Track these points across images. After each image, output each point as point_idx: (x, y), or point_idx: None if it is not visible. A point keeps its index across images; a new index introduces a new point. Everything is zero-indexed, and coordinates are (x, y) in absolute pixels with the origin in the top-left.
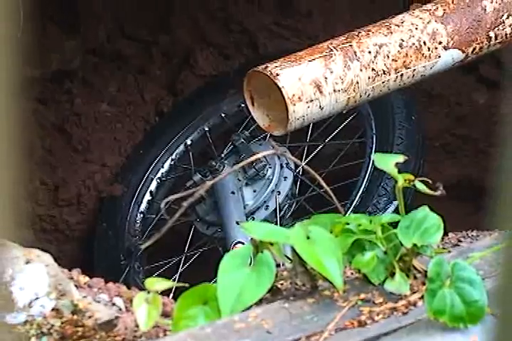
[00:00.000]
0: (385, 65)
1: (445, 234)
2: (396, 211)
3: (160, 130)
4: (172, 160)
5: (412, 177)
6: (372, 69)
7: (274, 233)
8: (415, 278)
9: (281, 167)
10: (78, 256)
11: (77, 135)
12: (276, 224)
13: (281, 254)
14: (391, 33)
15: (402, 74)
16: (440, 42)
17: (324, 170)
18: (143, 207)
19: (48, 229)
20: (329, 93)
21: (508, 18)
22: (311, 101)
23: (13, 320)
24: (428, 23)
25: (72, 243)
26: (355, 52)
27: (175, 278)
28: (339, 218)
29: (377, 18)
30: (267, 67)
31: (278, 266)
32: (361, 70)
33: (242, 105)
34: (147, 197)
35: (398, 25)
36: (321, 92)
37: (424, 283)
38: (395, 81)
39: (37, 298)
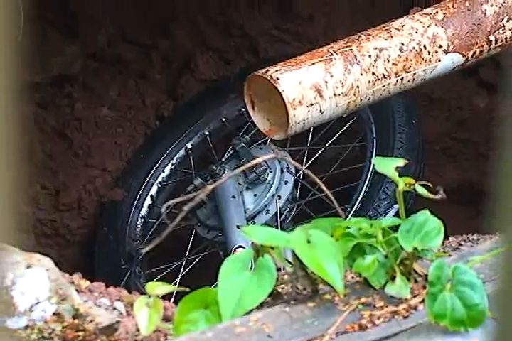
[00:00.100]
0: (385, 68)
1: (446, 237)
2: (397, 215)
3: (160, 134)
4: (173, 164)
5: (412, 181)
6: (373, 73)
7: (274, 237)
8: (416, 281)
9: (282, 171)
10: (79, 260)
11: (77, 139)
12: (276, 228)
13: (282, 258)
14: (391, 36)
15: (402, 78)
16: (440, 46)
17: (325, 174)
18: (143, 211)
19: (48, 233)
20: (329, 97)
21: (508, 21)
22: (312, 105)
23: (14, 325)
24: (428, 26)
25: (73, 247)
26: (355, 56)
27: (176, 283)
28: (340, 222)
29: (378, 22)
30: (267, 71)
31: (279, 270)
32: (361, 74)
33: (243, 109)
34: (148, 201)
35: (398, 29)
36: (321, 96)
37: (424, 287)
38: (395, 85)
39: (38, 303)
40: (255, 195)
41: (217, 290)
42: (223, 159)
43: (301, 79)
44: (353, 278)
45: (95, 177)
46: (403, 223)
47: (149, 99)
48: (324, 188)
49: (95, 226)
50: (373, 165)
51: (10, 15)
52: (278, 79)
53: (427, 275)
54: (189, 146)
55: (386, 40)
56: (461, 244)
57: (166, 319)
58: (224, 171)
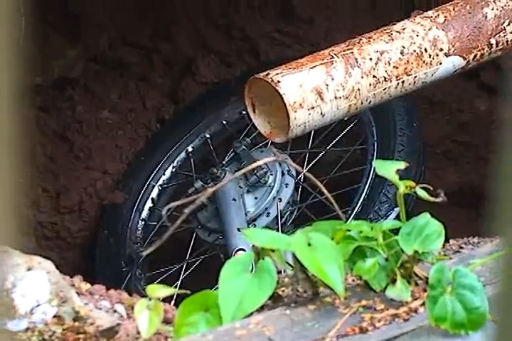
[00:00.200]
0: (386, 71)
1: (446, 240)
2: (397, 218)
3: (161, 137)
4: (173, 167)
5: (413, 183)
6: (374, 76)
7: (275, 240)
8: (416, 284)
9: (283, 174)
10: (80, 263)
11: (78, 142)
12: (277, 231)
13: (283, 261)
14: (392, 39)
15: (403, 81)
16: (441, 49)
17: (325, 177)
18: (144, 214)
19: (49, 236)
20: (330, 100)
21: (509, 25)
22: (313, 108)
23: (15, 327)
24: (429, 30)
25: (74, 250)
26: (356, 59)
27: (176, 285)
28: (340, 225)
29: (379, 25)
30: (268, 74)
31: (279, 272)
32: (362, 77)
33: (244, 112)
34: (148, 204)
35: (399, 32)
36: (322, 99)
37: (425, 290)
38: (396, 88)
39: (38, 305)
40: (256, 198)
41: (217, 292)
42: (224, 162)
43: (302, 82)
44: (353, 280)
45: (96, 179)
46: (404, 226)
47: (150, 102)
48: (325, 191)
49: (96, 228)
50: (374, 168)
51: (12, 18)
52: (279, 82)
53: (427, 278)
54: (190, 149)
55: (387, 43)
56: (461, 247)
57: (167, 321)
58: (225, 174)
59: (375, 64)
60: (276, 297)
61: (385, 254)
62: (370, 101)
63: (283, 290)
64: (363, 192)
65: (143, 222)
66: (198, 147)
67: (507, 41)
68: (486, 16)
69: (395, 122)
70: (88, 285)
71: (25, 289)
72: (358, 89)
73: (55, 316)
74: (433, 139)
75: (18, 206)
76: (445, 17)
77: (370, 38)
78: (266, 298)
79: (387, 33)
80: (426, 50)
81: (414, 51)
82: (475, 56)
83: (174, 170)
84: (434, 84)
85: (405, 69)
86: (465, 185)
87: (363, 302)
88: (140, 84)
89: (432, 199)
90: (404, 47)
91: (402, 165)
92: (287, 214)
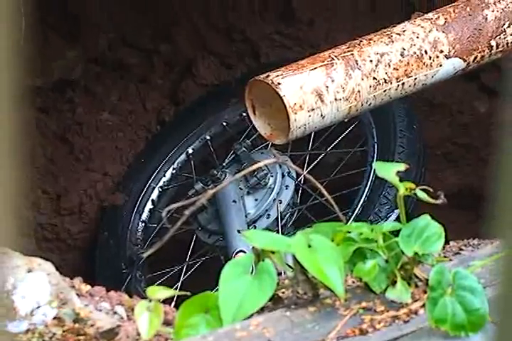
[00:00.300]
0: (386, 73)
1: (446, 242)
2: (398, 219)
3: (161, 139)
4: (174, 168)
5: (413, 185)
6: (374, 78)
7: (275, 241)
8: (416, 286)
9: (283, 176)
10: (80, 264)
11: (78, 144)
12: (277, 232)
13: (283, 263)
14: (392, 41)
15: (403, 83)
16: (441, 51)
17: (326, 178)
18: (144, 215)
19: (49, 238)
20: (331, 102)
21: (509, 26)
22: (313, 109)
23: (15, 329)
24: (429, 31)
25: (74, 252)
26: (356, 61)
27: (176, 287)
28: (340, 226)
29: (379, 27)
30: (268, 75)
31: (279, 274)
32: (362, 79)
33: (244, 114)
34: (149, 205)
35: (399, 34)
36: (322, 101)
37: (425, 292)
38: (396, 90)
39: (39, 307)
40: (256, 200)
41: (217, 294)
42: (224, 164)
43: (303, 83)
44: (353, 282)
45: (96, 181)
46: (404, 228)
47: (150, 104)
48: (325, 193)
49: (96, 230)
50: (374, 169)
51: (12, 18)
52: (279, 83)
53: (427, 279)
54: (190, 151)
55: (387, 44)
56: (461, 249)
57: (167, 323)
58: (225, 176)
59: (376, 66)
60: (277, 299)
61: (385, 256)
62: (370, 103)
63: (283, 292)
64: (363, 193)
65: (143, 224)
66: (198, 149)
67: (507, 43)
68: (487, 18)
69: (395, 124)
70: (88, 287)
71: (26, 291)
72: (358, 91)
73: (55, 318)
74: (433, 141)
75: (18, 208)
76: (445, 19)
77: (370, 39)
78: (266, 300)
79: (388, 34)
80: (426, 52)
81: (415, 53)
82: (475, 58)
83: (174, 171)
84: (435, 86)
85: (405, 71)
86: (465, 187)
87: (363, 304)
88: (140, 86)
89: (432, 201)
90: (404, 49)
91: (402, 166)
92: (287, 215)
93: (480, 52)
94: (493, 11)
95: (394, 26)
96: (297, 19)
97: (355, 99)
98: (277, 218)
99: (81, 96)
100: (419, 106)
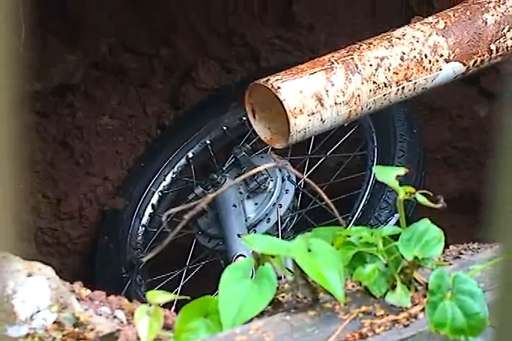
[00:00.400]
0: (386, 77)
1: (446, 246)
2: (398, 223)
3: (162, 143)
4: (174, 173)
5: (413, 189)
6: (374, 82)
7: (275, 246)
8: (416, 290)
9: (283, 180)
10: (80, 269)
11: (78, 148)
12: (277, 237)
13: (283, 267)
14: (392, 45)
15: (403, 87)
16: (441, 55)
17: (326, 182)
18: (145, 220)
19: (49, 242)
20: (330, 106)
21: (509, 31)
22: (313, 114)
23: (15, 333)
24: (429, 35)
25: (74, 256)
26: (356, 65)
27: (177, 291)
28: (340, 231)
29: (379, 31)
30: (268, 80)
31: (279, 278)
32: (362, 83)
33: (244, 118)
34: (149, 210)
35: (399, 38)
36: (322, 105)
37: (425, 296)
38: (396, 94)
39: (38, 311)
40: (256, 204)
41: (217, 298)
42: (224, 168)
43: (302, 88)
44: (353, 286)
45: (96, 185)
46: (404, 232)
47: (150, 108)
48: (325, 197)
49: (96, 234)
50: (374, 173)
51: (11, 23)
52: (279, 88)
53: (427, 284)
54: (190, 155)
55: (387, 49)
56: (461, 253)
57: (167, 327)
58: (225, 180)
59: (375, 70)
60: (277, 303)
61: (385, 260)
62: (370, 107)
63: (283, 296)
64: (363, 198)
65: (143, 228)
66: (198, 153)
67: (507, 47)
68: (486, 22)
69: (395, 128)
70: (88, 291)
71: (26, 295)
72: (358, 95)
73: (55, 322)
74: (433, 145)
75: (18, 212)
76: (445, 23)
77: (370, 44)
78: (266, 304)
79: (387, 39)
80: (426, 56)
81: (415, 57)
82: (475, 62)
83: (174, 176)
84: (434, 90)
85: (405, 75)
86: (465, 191)
87: (363, 308)
88: (140, 90)
89: (431, 205)
90: (404, 53)
91: (402, 171)
92: (287, 220)
93: (480, 56)
94: (492, 15)
95: (394, 30)
96: (297, 23)
97: (355, 103)
98: (277, 222)
99: (81, 100)
100: (419, 110)
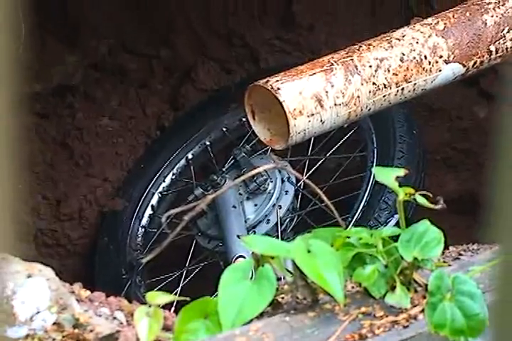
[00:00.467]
0: (385, 78)
1: (446, 247)
2: (397, 224)
3: (161, 144)
4: (173, 174)
5: (412, 190)
6: (373, 83)
7: (275, 247)
8: (416, 291)
9: (283, 181)
10: (80, 270)
11: (78, 149)
12: (277, 238)
13: (282, 268)
14: (392, 47)
15: (402, 88)
16: (441, 56)
17: (325, 184)
18: (144, 221)
19: (49, 243)
20: (330, 107)
21: (508, 32)
22: (312, 115)
23: (15, 334)
24: (429, 37)
25: (74, 257)
26: (356, 66)
27: (176, 292)
28: (340, 232)
29: (378, 32)
30: (267, 81)
31: (279, 279)
32: (362, 84)
33: (244, 119)
34: (148, 211)
35: (399, 39)
36: (322, 106)
37: (424, 297)
38: (395, 95)
39: (38, 312)
40: (256, 205)
41: (217, 299)
42: (224, 169)
43: (302, 89)
44: (353, 287)
45: (96, 187)
46: (403, 233)
47: (150, 109)
48: (325, 198)
49: (96, 236)
50: (374, 175)
51: (11, 24)
52: (279, 89)
53: (427, 285)
54: (190, 156)
55: (387, 50)
56: (461, 254)
57: (167, 328)
58: (225, 181)
59: (375, 71)
60: (276, 304)
61: (384, 261)
62: (369, 108)
63: (282, 297)
64: (362, 199)
65: (143, 229)
66: (197, 154)
67: (506, 48)
68: (486, 23)
69: (394, 129)
70: (88, 292)
71: (25, 296)
72: (358, 96)
73: (54, 323)
74: (433, 146)
75: (17, 213)
76: (445, 24)
77: (369, 45)
78: (265, 305)
79: (387, 40)
80: (426, 57)
81: (414, 58)
82: (475, 63)
83: (174, 177)
84: (434, 91)
85: (405, 76)
86: (465, 192)
87: (363, 309)
88: (140, 91)
89: (431, 206)
90: (403, 54)
91: (401, 172)
92: (287, 221)
93: (479, 58)
94: (492, 16)
95: (393, 31)
96: (297, 24)
97: (355, 105)
98: (277, 223)
99: (81, 101)
100: (419, 112)
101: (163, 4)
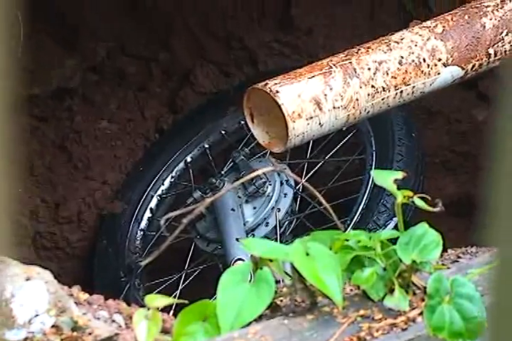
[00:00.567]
0: (384, 81)
1: (444, 250)
2: (396, 227)
3: (160, 147)
4: (172, 177)
5: (411, 193)
6: (372, 86)
7: (273, 250)
8: (414, 294)
9: (281, 184)
10: (78, 273)
11: (77, 152)
12: (276, 241)
13: (281, 271)
14: (390, 49)
15: (401, 91)
16: (440, 59)
17: (324, 187)
18: (143, 224)
19: (48, 246)
20: (329, 110)
21: (507, 35)
22: (311, 118)
23: (13, 337)
24: (427, 39)
25: (73, 260)
26: (354, 69)
27: (175, 295)
28: (339, 234)
29: (377, 35)
30: (266, 84)
31: (277, 282)
32: (361, 87)
33: (242, 122)
34: (147, 214)
35: (398, 42)
36: (320, 109)
37: (423, 299)
38: (394, 98)
39: (37, 315)
40: (255, 208)
41: (216, 302)
42: (223, 172)
43: (301, 92)
44: (351, 290)
45: (95, 190)
46: (402, 235)
47: (149, 112)
48: (323, 201)
49: (95, 239)
50: (372, 177)
51: (10, 28)
52: (277, 92)
53: (425, 287)
54: (189, 159)
55: (385, 53)
56: (459, 257)
57: (165, 331)
58: (223, 184)
59: (374, 74)
60: (275, 306)
61: (383, 264)
62: (368, 111)
63: (281, 300)
64: (361, 202)
65: (142, 232)
66: (196, 157)
67: (505, 51)
68: (485, 26)
69: (393, 132)
70: (86, 295)
71: (24, 299)
72: (357, 99)
73: (53, 326)
74: (431, 149)
75: (16, 216)
76: (443, 27)
77: (368, 48)
78: (264, 308)
79: (386, 43)
80: (424, 60)
81: (413, 61)
82: (473, 66)
83: (173, 180)
84: (433, 94)
85: (404, 79)
86: (463, 195)
87: (361, 312)
88: (139, 94)
89: (430, 208)
90: (402, 57)
91: (400, 175)
92: (286, 224)
93: (478, 61)
94: (491, 19)
95: (392, 34)
96: (296, 27)
97: (354, 108)
98: (276, 226)
99: (79, 104)
100: (418, 115)
101: (161, 7)
